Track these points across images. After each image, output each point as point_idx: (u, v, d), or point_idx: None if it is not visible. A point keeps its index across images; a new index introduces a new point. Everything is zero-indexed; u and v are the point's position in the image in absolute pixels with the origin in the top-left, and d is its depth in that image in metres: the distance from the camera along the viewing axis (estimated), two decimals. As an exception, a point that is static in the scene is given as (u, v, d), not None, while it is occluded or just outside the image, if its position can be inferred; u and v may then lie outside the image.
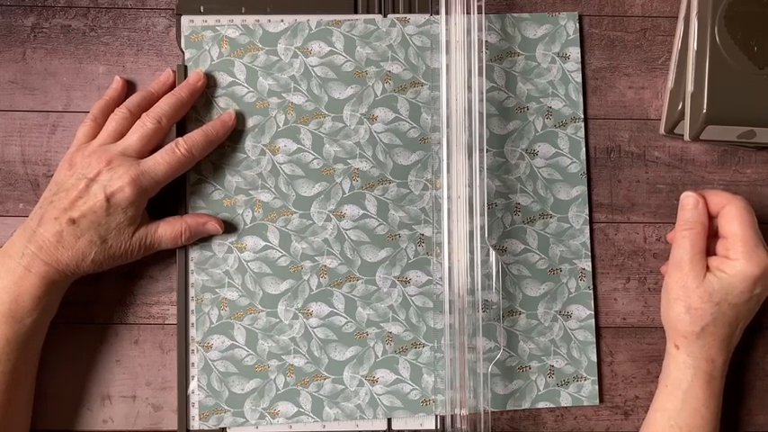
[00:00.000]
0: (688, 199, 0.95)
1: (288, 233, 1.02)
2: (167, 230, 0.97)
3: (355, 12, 1.05)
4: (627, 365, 1.04)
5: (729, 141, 1.01)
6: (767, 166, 1.06)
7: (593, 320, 1.03)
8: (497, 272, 1.01)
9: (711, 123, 0.97)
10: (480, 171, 0.97)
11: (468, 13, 0.98)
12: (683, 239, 0.94)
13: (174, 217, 0.98)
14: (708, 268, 0.93)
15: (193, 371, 1.00)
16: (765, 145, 1.03)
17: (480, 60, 0.98)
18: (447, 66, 0.98)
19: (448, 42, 0.98)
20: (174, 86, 1.01)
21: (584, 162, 1.04)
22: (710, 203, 0.95)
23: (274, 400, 1.00)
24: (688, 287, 0.93)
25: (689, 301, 0.92)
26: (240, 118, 1.02)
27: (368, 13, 1.05)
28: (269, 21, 1.03)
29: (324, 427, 1.01)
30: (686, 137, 1.00)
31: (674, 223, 1.03)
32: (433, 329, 1.02)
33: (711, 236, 0.96)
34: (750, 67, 0.97)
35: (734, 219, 0.93)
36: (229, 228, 1.01)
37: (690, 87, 0.99)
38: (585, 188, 1.04)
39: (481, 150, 0.97)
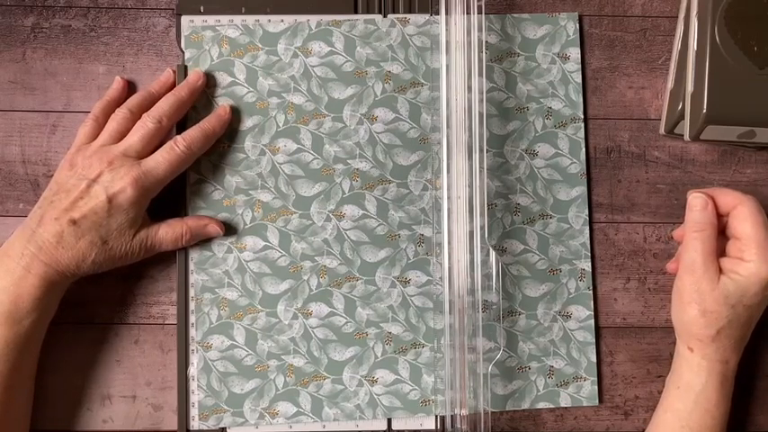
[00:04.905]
0: (697, 200, 0.95)
1: (287, 233, 1.02)
2: (168, 233, 0.97)
3: (355, 12, 1.05)
4: (627, 365, 1.04)
5: (729, 141, 1.01)
6: (767, 166, 1.06)
7: (593, 321, 1.03)
8: (497, 272, 1.01)
9: (711, 123, 0.97)
10: (480, 171, 0.97)
11: (469, 13, 0.98)
12: (694, 241, 0.94)
13: (174, 219, 0.98)
14: (721, 270, 0.93)
15: (193, 371, 1.00)
16: (765, 145, 1.03)
17: (480, 61, 0.98)
18: (447, 66, 0.98)
19: (448, 43, 0.98)
20: (175, 86, 1.01)
21: (584, 162, 1.04)
22: (720, 203, 0.95)
23: (274, 400, 1.00)
24: (702, 290, 0.92)
25: (704, 304, 0.92)
26: (240, 118, 1.02)
27: (368, 13, 1.05)
28: (269, 21, 1.03)
29: (324, 427, 1.01)
30: (686, 137, 1.00)
31: (675, 223, 1.04)
32: (432, 330, 1.02)
33: (719, 234, 0.96)
34: (750, 67, 0.97)
35: (746, 219, 0.92)
36: (229, 228, 1.01)
37: (690, 87, 0.99)
38: (585, 189, 1.04)
39: (481, 151, 0.97)
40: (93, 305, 1.02)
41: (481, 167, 0.97)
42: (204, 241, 1.01)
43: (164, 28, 1.05)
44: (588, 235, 1.04)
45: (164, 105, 0.97)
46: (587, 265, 1.04)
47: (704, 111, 0.96)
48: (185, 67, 1.02)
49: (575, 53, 1.05)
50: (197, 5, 1.03)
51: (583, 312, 1.03)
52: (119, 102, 1.00)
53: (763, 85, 0.97)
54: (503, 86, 1.04)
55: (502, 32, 1.05)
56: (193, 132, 0.97)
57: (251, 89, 1.03)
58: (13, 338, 0.90)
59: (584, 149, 1.05)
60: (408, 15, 1.04)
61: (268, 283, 1.01)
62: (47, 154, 1.03)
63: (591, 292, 1.03)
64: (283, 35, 1.03)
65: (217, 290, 1.01)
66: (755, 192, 1.04)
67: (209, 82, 1.02)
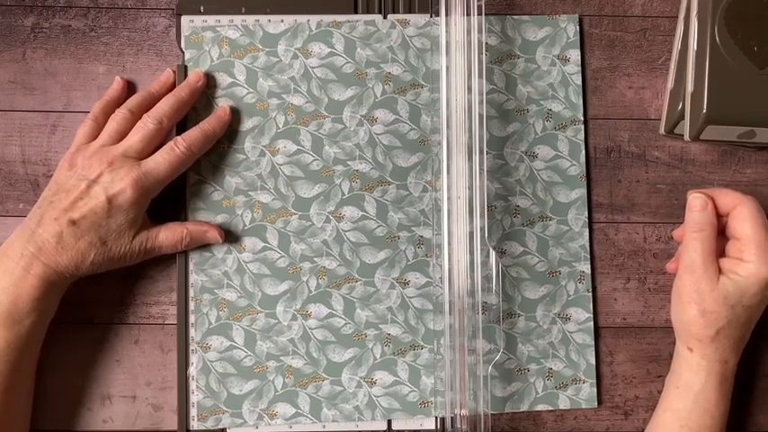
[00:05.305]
0: (697, 200, 0.95)
1: (287, 234, 1.02)
2: (168, 236, 0.96)
3: (355, 12, 1.04)
4: (627, 365, 1.04)
5: (729, 141, 1.01)
6: (767, 166, 1.06)
7: (592, 323, 1.03)
8: (497, 274, 1.01)
9: (711, 123, 0.97)
10: (480, 173, 0.97)
11: (468, 14, 0.98)
12: (694, 242, 0.94)
13: (175, 223, 0.98)
14: (720, 270, 0.93)
15: (192, 371, 1.00)
16: (765, 145, 1.03)
17: (480, 62, 0.98)
18: (447, 67, 0.98)
19: (448, 44, 0.98)
20: (175, 87, 1.01)
21: (584, 165, 1.04)
22: (719, 203, 0.95)
23: (273, 401, 1.00)
24: (702, 290, 0.92)
25: (703, 304, 0.92)
26: (240, 119, 1.02)
27: (368, 13, 1.04)
28: (269, 21, 1.03)
29: (324, 427, 1.01)
30: (686, 137, 1.00)
31: (675, 223, 1.04)
32: (431, 331, 1.02)
33: (718, 234, 0.96)
34: (750, 67, 0.97)
35: (746, 220, 0.92)
36: (229, 229, 1.01)
37: (690, 87, 0.99)
38: (585, 191, 1.04)
39: (481, 152, 0.97)
40: (93, 305, 1.02)
41: (481, 169, 0.97)
42: (203, 242, 1.01)
43: (164, 28, 1.05)
44: (588, 237, 1.04)
45: (164, 106, 0.97)
46: (587, 268, 1.04)
47: (704, 111, 0.96)
48: (185, 68, 1.02)
49: (575, 55, 1.05)
50: (197, 5, 1.03)
51: (582, 315, 1.03)
52: (119, 102, 1.00)
53: (763, 85, 0.97)
54: (503, 88, 1.04)
55: (502, 34, 1.05)
56: (193, 133, 0.97)
57: (251, 90, 1.03)
58: (13, 339, 0.90)
59: (583, 152, 1.05)
60: (408, 16, 1.04)
61: (267, 284, 1.01)
62: (47, 154, 1.03)
63: (590, 294, 1.03)
64: (283, 36, 1.03)
65: (216, 291, 1.01)
66: (755, 192, 1.04)
67: (210, 83, 1.02)
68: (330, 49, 1.03)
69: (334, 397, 1.01)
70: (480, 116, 0.98)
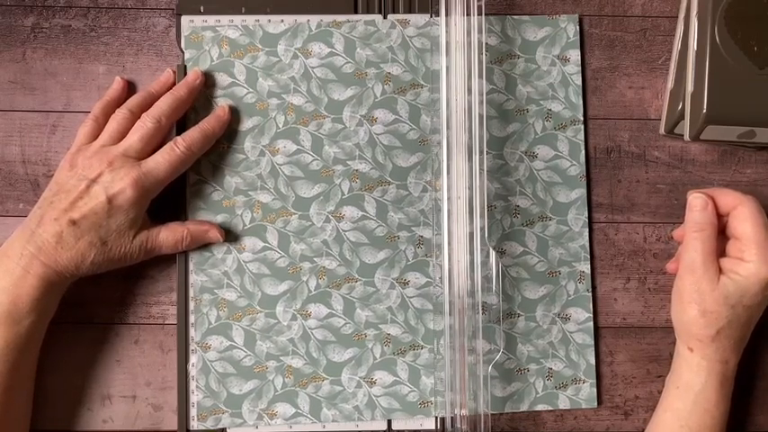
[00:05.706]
0: (697, 200, 0.95)
1: (287, 234, 1.02)
2: (169, 236, 0.96)
3: (355, 12, 1.04)
4: (627, 365, 1.04)
5: (729, 141, 1.01)
6: (767, 166, 1.06)
7: (592, 323, 1.03)
8: (497, 274, 1.00)
9: (711, 123, 0.97)
10: (480, 173, 0.97)
11: (468, 14, 0.98)
12: (695, 241, 0.93)
13: (175, 223, 0.98)
14: (721, 270, 0.93)
15: (192, 371, 1.00)
16: (765, 145, 1.03)
17: (480, 62, 0.98)
18: (447, 67, 0.98)
19: (448, 44, 0.98)
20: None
21: (584, 165, 1.04)
22: (720, 203, 0.95)
23: (272, 401, 1.00)
24: (702, 290, 0.92)
25: (704, 304, 0.92)
26: (240, 119, 1.02)
27: (368, 13, 1.04)
28: (269, 21, 1.03)
29: (324, 427, 1.01)
30: (686, 137, 1.00)
31: (675, 223, 1.04)
32: (431, 331, 1.02)
33: (719, 234, 0.96)
34: (750, 67, 0.97)
35: (747, 220, 0.92)
36: (229, 229, 1.01)
37: (690, 87, 0.99)
38: (585, 191, 1.04)
39: (481, 152, 0.97)
40: (92, 305, 1.02)
41: (481, 169, 0.97)
42: (203, 242, 1.01)
43: (164, 28, 1.05)
44: (587, 237, 1.04)
45: (162, 105, 0.97)
46: (586, 268, 1.04)
47: (704, 111, 0.96)
48: (185, 68, 1.02)
49: (575, 55, 1.05)
50: (197, 5, 1.03)
51: (582, 315, 1.03)
52: (119, 102, 1.00)
53: (763, 85, 0.97)
54: (503, 88, 1.04)
55: (502, 34, 1.05)
56: (193, 133, 0.97)
57: (251, 90, 1.03)
58: (13, 339, 0.90)
59: (583, 152, 1.05)
60: (408, 16, 1.04)
61: (267, 284, 1.01)
62: (47, 154, 1.03)
63: (590, 294, 1.03)
64: (283, 36, 1.03)
65: (216, 290, 1.01)
66: (755, 192, 1.04)
67: (209, 82, 1.02)
68: (330, 49, 1.03)
69: (334, 397, 1.01)
70: (480, 116, 0.98)
